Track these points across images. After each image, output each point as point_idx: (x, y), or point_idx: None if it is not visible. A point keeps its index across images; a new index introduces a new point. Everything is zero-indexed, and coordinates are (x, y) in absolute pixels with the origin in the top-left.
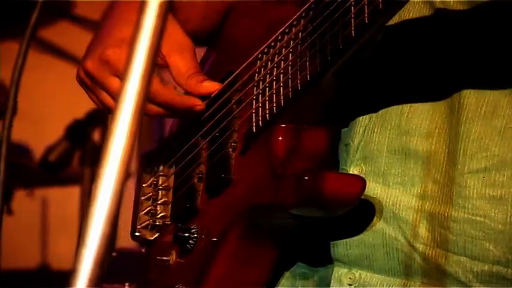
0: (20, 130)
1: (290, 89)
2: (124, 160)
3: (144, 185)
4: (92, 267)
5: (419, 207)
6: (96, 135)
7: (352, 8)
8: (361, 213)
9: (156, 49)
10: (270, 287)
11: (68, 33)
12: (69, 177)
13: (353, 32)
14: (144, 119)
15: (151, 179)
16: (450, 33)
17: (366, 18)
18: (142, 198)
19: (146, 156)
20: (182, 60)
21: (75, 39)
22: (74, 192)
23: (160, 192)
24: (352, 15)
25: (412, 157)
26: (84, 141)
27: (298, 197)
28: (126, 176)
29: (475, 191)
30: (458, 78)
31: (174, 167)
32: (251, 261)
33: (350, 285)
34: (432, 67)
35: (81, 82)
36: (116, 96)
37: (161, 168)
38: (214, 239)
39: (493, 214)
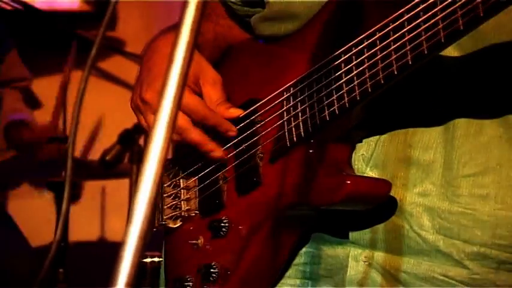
0: (85, 137)
1: (327, 114)
2: (161, 159)
3: (164, 185)
4: (137, 240)
5: (421, 202)
6: (141, 141)
7: (395, 62)
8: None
9: (191, 51)
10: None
11: (119, 64)
12: (121, 172)
13: (382, 80)
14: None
15: (172, 181)
16: (446, 74)
17: (395, 70)
18: (164, 195)
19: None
20: (213, 90)
21: (125, 69)
22: (124, 183)
23: (182, 191)
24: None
25: (415, 165)
26: (132, 145)
27: (341, 197)
28: (162, 171)
29: (466, 190)
30: (452, 107)
31: (195, 171)
32: (279, 245)
33: (365, 262)
34: (432, 99)
35: (136, 107)
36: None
37: (181, 172)
38: (247, 228)
39: (480, 208)
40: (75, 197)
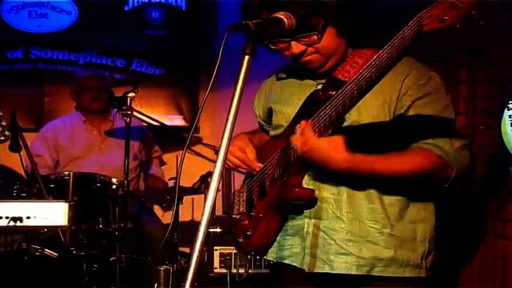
0: (186, 178)
1: (287, 163)
2: (216, 184)
3: (236, 199)
4: (207, 219)
5: (330, 197)
6: (209, 180)
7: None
8: (311, 201)
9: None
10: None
11: (200, 148)
12: (200, 192)
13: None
14: (227, 169)
15: (238, 195)
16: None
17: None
18: (235, 204)
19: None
20: (250, 153)
21: (203, 151)
22: (201, 197)
23: (241, 200)
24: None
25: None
26: (205, 181)
27: (297, 198)
28: (217, 189)
29: (346, 208)
30: (340, 183)
31: (246, 189)
32: (274, 221)
33: (314, 225)
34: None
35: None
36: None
37: (242, 190)
38: (261, 215)
39: (350, 218)
40: (180, 203)
